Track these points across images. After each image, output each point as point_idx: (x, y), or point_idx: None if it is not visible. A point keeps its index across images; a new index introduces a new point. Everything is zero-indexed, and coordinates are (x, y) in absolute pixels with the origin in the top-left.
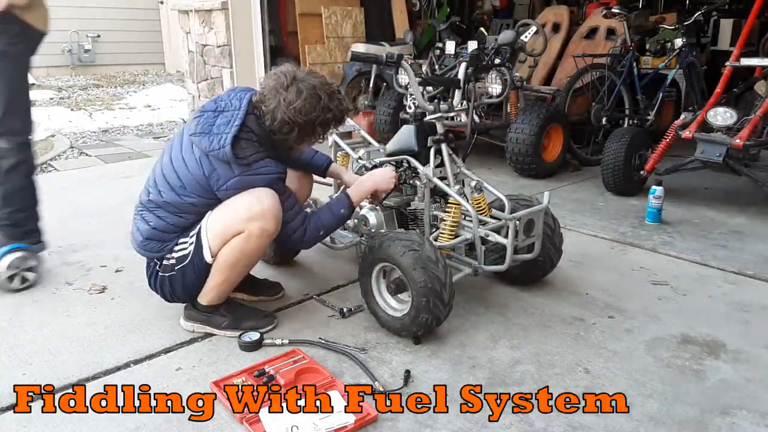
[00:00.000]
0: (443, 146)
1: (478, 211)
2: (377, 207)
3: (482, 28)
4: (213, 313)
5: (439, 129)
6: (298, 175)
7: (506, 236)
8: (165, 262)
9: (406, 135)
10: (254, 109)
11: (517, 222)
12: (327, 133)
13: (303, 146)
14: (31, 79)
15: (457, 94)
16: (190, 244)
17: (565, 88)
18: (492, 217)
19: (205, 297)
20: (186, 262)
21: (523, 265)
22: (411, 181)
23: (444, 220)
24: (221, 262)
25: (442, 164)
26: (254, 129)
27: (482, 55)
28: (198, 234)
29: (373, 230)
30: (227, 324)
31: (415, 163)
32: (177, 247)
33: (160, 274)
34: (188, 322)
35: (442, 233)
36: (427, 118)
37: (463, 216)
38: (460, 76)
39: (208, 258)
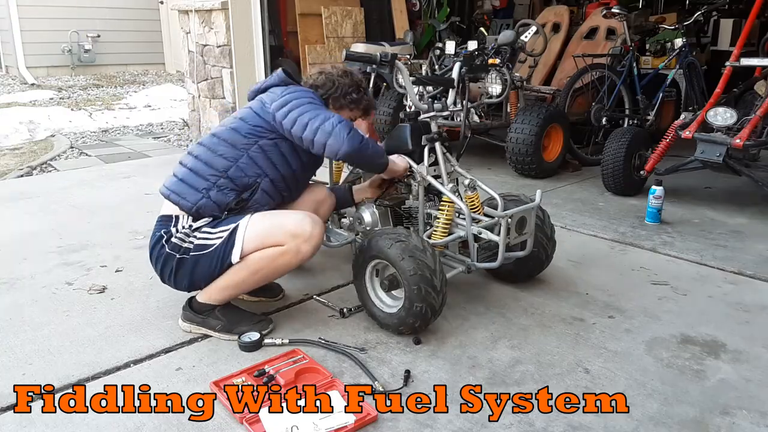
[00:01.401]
0: (437, 145)
1: (471, 209)
2: (372, 205)
3: (482, 28)
4: (208, 315)
5: (433, 128)
6: (324, 193)
7: (499, 234)
8: (178, 241)
9: (400, 134)
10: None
11: (509, 219)
12: (356, 107)
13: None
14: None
15: (451, 93)
16: (218, 237)
17: (565, 88)
18: (485, 214)
19: (206, 294)
20: (205, 251)
21: (519, 260)
22: (405, 180)
23: (437, 218)
24: (247, 264)
25: (436, 163)
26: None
27: (478, 55)
28: (233, 232)
29: (368, 228)
30: (221, 327)
31: (409, 161)
32: (201, 234)
33: (167, 250)
34: (185, 323)
35: (435, 231)
36: (422, 117)
37: (456, 214)
38: (454, 75)
39: (235, 257)
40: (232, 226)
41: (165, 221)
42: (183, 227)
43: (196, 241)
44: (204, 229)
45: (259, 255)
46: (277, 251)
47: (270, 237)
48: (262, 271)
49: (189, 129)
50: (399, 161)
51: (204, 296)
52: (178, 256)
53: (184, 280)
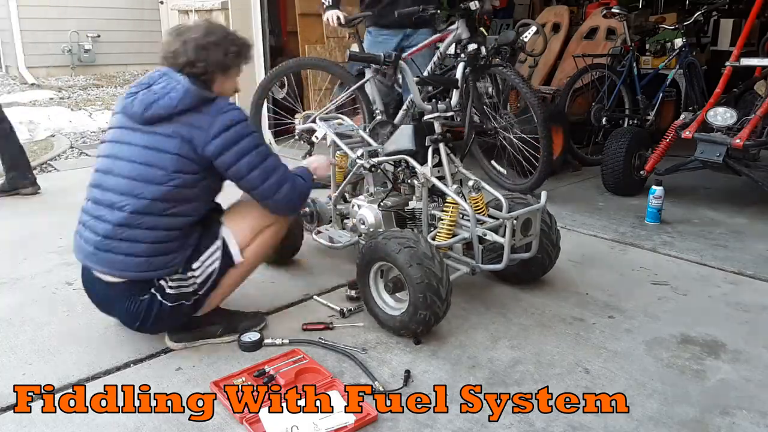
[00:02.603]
0: (441, 146)
1: (475, 210)
2: (375, 206)
3: (482, 28)
4: (204, 324)
5: (437, 128)
6: None
7: (504, 235)
8: (177, 291)
9: (404, 135)
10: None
11: (515, 221)
12: (241, 59)
13: (230, 82)
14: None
15: (455, 94)
16: (214, 258)
17: (565, 88)
18: (490, 216)
19: (207, 307)
20: (212, 278)
21: (522, 263)
22: (409, 181)
23: (442, 220)
24: (251, 258)
25: (440, 164)
26: (193, 81)
27: (480, 55)
28: (224, 245)
29: (371, 230)
30: (223, 330)
31: (413, 162)
32: (197, 270)
33: (169, 304)
34: (179, 343)
35: (439, 232)
36: (425, 117)
37: (460, 215)
38: (458, 76)
39: (237, 258)
40: (219, 242)
41: (134, 288)
42: (172, 278)
43: (200, 278)
44: (195, 264)
45: (259, 245)
46: (273, 231)
47: (259, 222)
48: (259, 259)
49: None
50: (314, 161)
51: (205, 309)
52: (188, 303)
53: (187, 317)
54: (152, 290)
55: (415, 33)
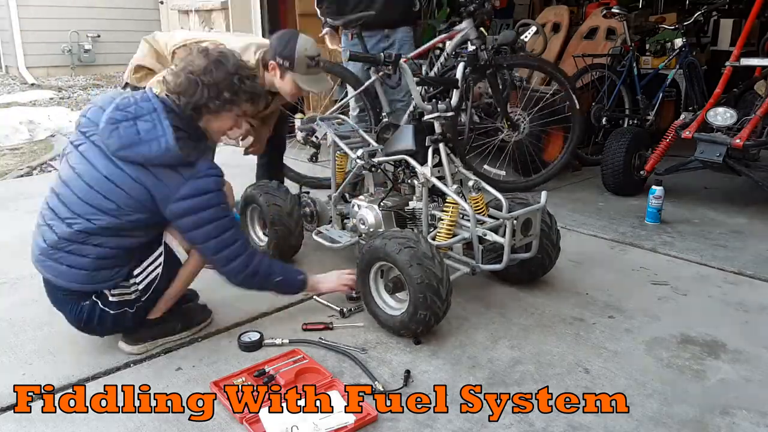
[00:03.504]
0: (441, 146)
1: (476, 210)
2: (375, 206)
3: (482, 28)
4: (162, 322)
5: (437, 129)
6: None
7: (504, 235)
8: (119, 298)
9: (404, 135)
10: (166, 104)
11: (515, 221)
12: (237, 106)
13: (220, 122)
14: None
15: (455, 94)
16: (158, 264)
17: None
18: (490, 216)
19: (162, 308)
20: (155, 284)
21: (522, 263)
22: (409, 181)
23: (442, 220)
24: (197, 256)
25: (440, 164)
26: (180, 125)
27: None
28: (166, 248)
29: (371, 230)
30: (182, 326)
31: (413, 162)
32: (138, 277)
33: (111, 312)
34: (136, 345)
35: (439, 232)
36: (425, 117)
37: (460, 215)
38: (459, 76)
39: (183, 255)
40: (161, 248)
41: (74, 294)
42: (116, 286)
43: (141, 285)
44: (137, 270)
45: (189, 266)
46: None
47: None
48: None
49: None
50: (327, 282)
51: (158, 312)
52: (131, 310)
53: (133, 322)
54: (93, 297)
55: (394, 32)
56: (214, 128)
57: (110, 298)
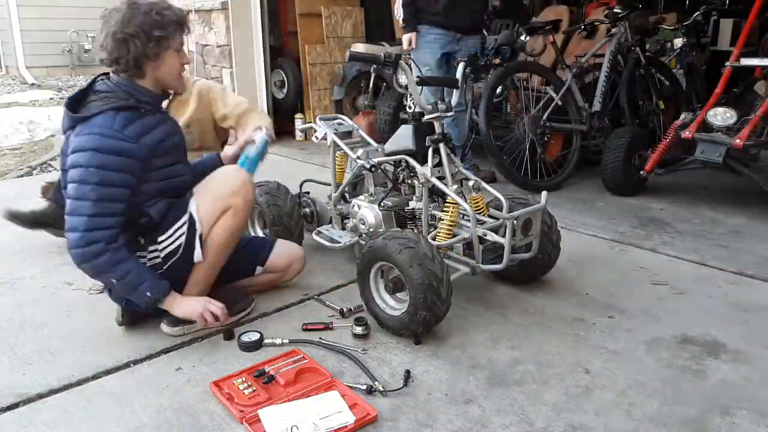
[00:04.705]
0: (441, 146)
1: (476, 210)
2: (375, 206)
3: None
4: None
5: (437, 129)
6: None
7: (504, 235)
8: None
9: (404, 135)
10: (101, 76)
11: (515, 221)
12: (172, 39)
13: (166, 65)
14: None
15: (455, 94)
16: (180, 233)
17: (565, 87)
18: (490, 216)
19: (193, 290)
20: (178, 255)
21: (522, 263)
22: (409, 181)
23: (442, 220)
24: (214, 245)
25: (440, 164)
26: (102, 87)
27: (480, 56)
28: (190, 218)
29: (371, 230)
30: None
31: (413, 162)
32: (163, 243)
33: None
34: (176, 327)
35: (439, 233)
36: (425, 117)
37: (461, 215)
38: (458, 76)
39: (198, 257)
40: (185, 217)
41: None
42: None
43: (164, 252)
44: (159, 238)
45: (220, 229)
46: (230, 216)
47: (217, 206)
48: (230, 241)
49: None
50: (186, 307)
51: (191, 293)
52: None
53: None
54: None
55: (465, 38)
56: (165, 74)
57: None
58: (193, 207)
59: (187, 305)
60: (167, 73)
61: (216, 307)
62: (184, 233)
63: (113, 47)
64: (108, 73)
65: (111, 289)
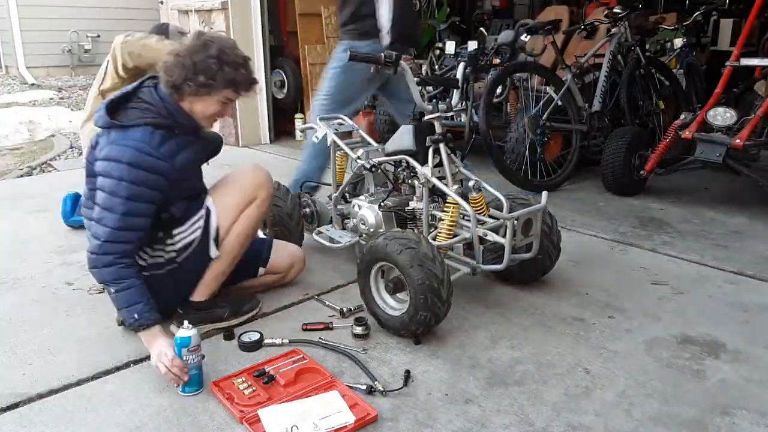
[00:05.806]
0: (441, 146)
1: (476, 210)
2: (376, 206)
3: (482, 28)
4: (212, 307)
5: (438, 129)
6: None
7: (504, 236)
8: (151, 258)
9: (404, 135)
10: (149, 80)
11: (515, 221)
12: (216, 90)
13: (202, 105)
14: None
15: (456, 94)
16: (197, 227)
17: (565, 87)
18: (490, 216)
19: (206, 290)
20: (192, 248)
21: (522, 264)
22: (409, 181)
23: (442, 220)
24: (235, 235)
25: (440, 164)
26: (145, 97)
27: (481, 56)
28: (207, 211)
29: (371, 230)
30: (229, 313)
31: (413, 162)
32: (178, 236)
33: (144, 274)
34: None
35: (440, 233)
36: (426, 117)
37: (461, 215)
38: (459, 76)
39: (214, 253)
40: (199, 214)
41: None
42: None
43: (178, 245)
44: (173, 233)
45: (245, 221)
46: (255, 207)
47: (242, 199)
48: (250, 234)
49: None
50: (150, 348)
51: (203, 295)
52: (159, 271)
53: (173, 294)
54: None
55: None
56: (198, 111)
57: (140, 263)
58: (209, 201)
59: (150, 348)
60: (199, 111)
61: (168, 360)
62: (200, 227)
63: (169, 63)
64: (157, 78)
65: None
